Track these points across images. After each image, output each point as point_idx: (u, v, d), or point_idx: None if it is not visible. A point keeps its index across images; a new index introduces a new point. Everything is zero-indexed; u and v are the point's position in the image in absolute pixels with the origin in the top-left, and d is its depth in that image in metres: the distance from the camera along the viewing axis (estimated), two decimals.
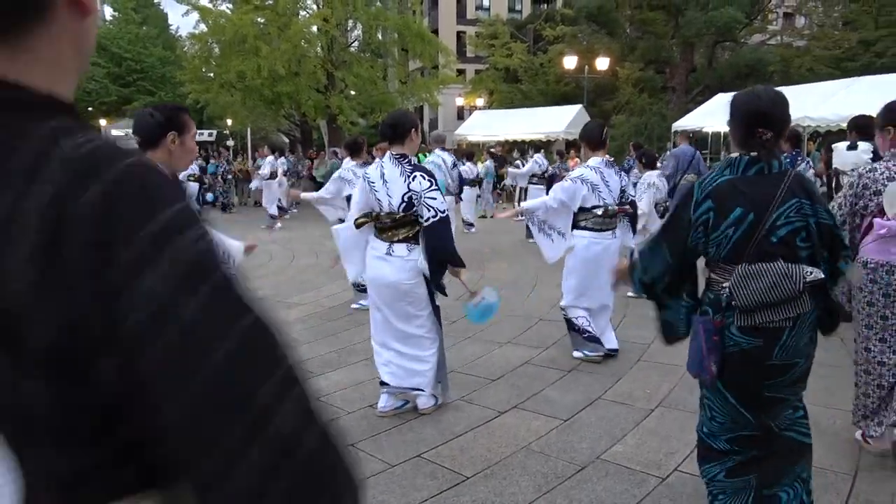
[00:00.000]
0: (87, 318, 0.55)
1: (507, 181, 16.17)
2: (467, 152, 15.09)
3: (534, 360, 4.71)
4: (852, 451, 3.19)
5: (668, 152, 9.57)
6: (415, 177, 3.57)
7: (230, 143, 29.56)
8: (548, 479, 3.00)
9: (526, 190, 13.31)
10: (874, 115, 5.05)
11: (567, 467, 3.11)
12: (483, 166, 15.05)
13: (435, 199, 3.55)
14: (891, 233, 2.88)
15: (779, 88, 2.40)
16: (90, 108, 29.66)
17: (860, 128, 4.99)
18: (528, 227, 10.79)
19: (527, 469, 3.10)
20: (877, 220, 2.92)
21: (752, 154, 2.16)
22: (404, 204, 3.56)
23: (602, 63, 23.21)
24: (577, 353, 4.71)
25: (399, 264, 3.60)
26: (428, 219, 3.51)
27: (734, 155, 2.21)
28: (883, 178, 2.95)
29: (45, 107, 0.62)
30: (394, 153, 3.67)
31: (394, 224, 3.62)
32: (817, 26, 27.54)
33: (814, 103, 12.06)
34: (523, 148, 18.37)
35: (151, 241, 0.56)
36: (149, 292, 0.55)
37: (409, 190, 3.54)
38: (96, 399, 0.58)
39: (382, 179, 3.62)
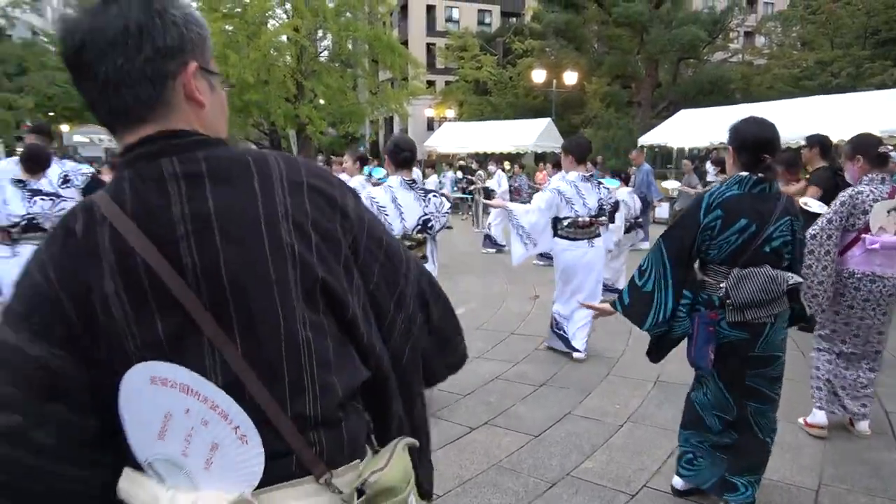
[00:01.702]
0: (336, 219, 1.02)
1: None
2: (432, 164, 15.34)
3: (504, 374, 4.71)
4: (815, 466, 3.26)
5: (641, 167, 10.14)
6: (429, 200, 3.88)
7: None
8: (518, 497, 2.99)
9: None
10: (827, 134, 5.41)
11: (538, 484, 3.11)
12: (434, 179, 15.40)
13: (443, 205, 3.97)
14: (883, 247, 3.33)
15: (740, 106, 2.69)
16: (52, 114, 28.86)
17: (823, 146, 5.28)
18: (485, 237, 10.99)
19: (498, 486, 3.09)
20: (868, 237, 3.34)
21: (760, 175, 2.50)
22: (419, 226, 3.82)
23: (570, 77, 23.58)
24: (545, 343, 5.15)
25: None
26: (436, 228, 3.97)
27: (743, 174, 2.51)
28: (870, 200, 3.39)
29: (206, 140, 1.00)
30: (404, 178, 3.86)
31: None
32: (776, 46, 28.41)
33: (776, 121, 12.47)
34: (482, 160, 18.20)
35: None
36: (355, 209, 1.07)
37: (425, 213, 3.82)
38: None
39: (395, 204, 3.77)
